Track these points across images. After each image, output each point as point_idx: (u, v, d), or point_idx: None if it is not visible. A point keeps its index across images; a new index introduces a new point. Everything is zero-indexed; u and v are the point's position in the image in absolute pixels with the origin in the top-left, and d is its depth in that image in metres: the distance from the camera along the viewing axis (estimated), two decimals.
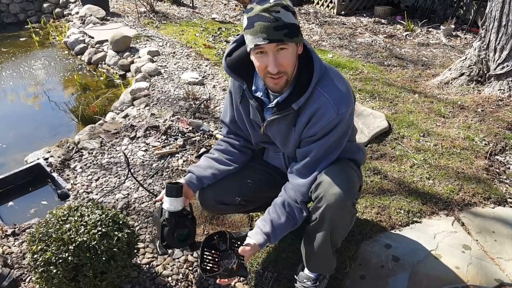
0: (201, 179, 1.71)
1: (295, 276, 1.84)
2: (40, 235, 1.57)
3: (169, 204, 1.56)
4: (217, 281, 1.50)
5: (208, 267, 1.48)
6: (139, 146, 2.89)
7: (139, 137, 3.00)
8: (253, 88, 1.56)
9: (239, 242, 1.51)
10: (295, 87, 1.47)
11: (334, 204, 1.46)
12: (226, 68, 1.55)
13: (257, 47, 1.35)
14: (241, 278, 1.87)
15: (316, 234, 1.57)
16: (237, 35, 5.41)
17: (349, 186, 1.50)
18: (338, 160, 1.58)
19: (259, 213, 2.24)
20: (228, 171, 1.76)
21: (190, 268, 1.93)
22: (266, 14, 1.31)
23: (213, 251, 1.51)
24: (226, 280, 1.48)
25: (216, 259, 1.51)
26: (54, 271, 1.50)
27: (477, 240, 2.12)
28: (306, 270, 1.79)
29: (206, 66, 4.48)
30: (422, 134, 3.06)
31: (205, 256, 1.50)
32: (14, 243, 2.06)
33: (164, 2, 7.23)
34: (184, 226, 1.60)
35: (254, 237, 1.53)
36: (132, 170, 2.63)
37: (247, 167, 1.84)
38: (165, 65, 4.48)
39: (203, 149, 2.85)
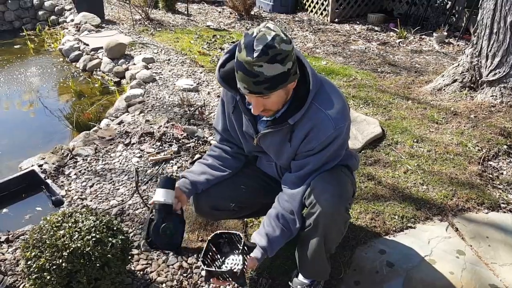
0: (195, 184, 1.71)
1: (289, 283, 1.84)
2: (34, 242, 1.57)
3: (160, 195, 1.54)
4: (212, 280, 1.49)
5: (206, 262, 1.49)
6: (133, 153, 2.89)
7: (133, 144, 2.99)
8: (247, 100, 1.55)
9: (249, 251, 1.52)
10: (292, 102, 1.46)
11: (328, 210, 1.46)
12: (220, 79, 1.53)
13: (241, 91, 1.36)
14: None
15: (310, 240, 1.58)
16: (232, 42, 5.41)
17: (342, 192, 1.51)
18: None
19: (253, 219, 2.24)
20: (222, 176, 1.76)
21: (185, 275, 1.92)
22: (247, 66, 1.27)
23: (215, 249, 1.53)
24: (221, 281, 1.48)
25: (215, 257, 1.52)
26: (48, 277, 1.50)
27: (471, 246, 2.13)
28: (300, 276, 1.79)
29: (201, 73, 4.49)
30: (415, 140, 3.08)
31: (209, 251, 1.51)
32: (7, 250, 2.05)
33: (159, 9, 7.26)
34: (171, 221, 1.57)
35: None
36: (126, 177, 2.62)
37: (242, 173, 1.84)
38: (160, 72, 4.49)
39: (197, 155, 2.85)
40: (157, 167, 2.73)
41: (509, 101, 3.54)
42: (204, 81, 4.27)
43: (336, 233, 1.57)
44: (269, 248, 1.55)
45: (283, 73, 1.30)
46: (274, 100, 1.37)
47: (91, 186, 2.55)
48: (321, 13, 7.06)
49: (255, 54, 1.25)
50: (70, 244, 1.53)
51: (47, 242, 1.54)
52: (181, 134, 3.09)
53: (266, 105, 1.39)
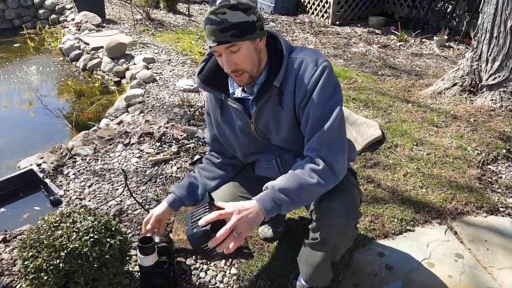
0: (182, 199, 1.71)
1: (288, 284, 1.83)
2: (31, 242, 1.56)
3: (140, 260, 1.60)
4: (219, 250, 1.26)
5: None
6: (133, 153, 2.88)
7: (133, 144, 2.99)
8: (231, 92, 1.54)
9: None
10: (270, 68, 1.47)
11: (338, 228, 1.45)
12: (200, 83, 1.54)
13: (211, 48, 1.38)
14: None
15: (316, 253, 1.56)
16: None
17: (352, 208, 1.48)
18: None
19: None
20: (209, 185, 1.76)
21: (183, 276, 1.92)
22: (212, 16, 1.32)
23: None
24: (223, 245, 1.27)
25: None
26: (45, 278, 1.49)
27: (469, 249, 2.12)
28: (299, 279, 1.78)
29: None
30: (415, 143, 3.08)
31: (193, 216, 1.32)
32: (5, 250, 2.04)
33: (160, 10, 7.27)
34: (160, 276, 1.65)
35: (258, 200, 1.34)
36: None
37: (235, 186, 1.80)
38: (161, 72, 4.48)
39: (197, 156, 2.84)
40: (156, 168, 2.72)
41: (508, 105, 3.54)
42: None
43: (343, 246, 1.58)
44: (279, 184, 1.34)
45: (247, 22, 1.34)
46: (244, 55, 1.37)
47: (89, 186, 2.55)
48: (322, 15, 7.07)
49: (217, 2, 1.32)
50: (68, 244, 1.52)
51: (45, 242, 1.53)
52: (181, 135, 3.08)
53: (237, 63, 1.37)
